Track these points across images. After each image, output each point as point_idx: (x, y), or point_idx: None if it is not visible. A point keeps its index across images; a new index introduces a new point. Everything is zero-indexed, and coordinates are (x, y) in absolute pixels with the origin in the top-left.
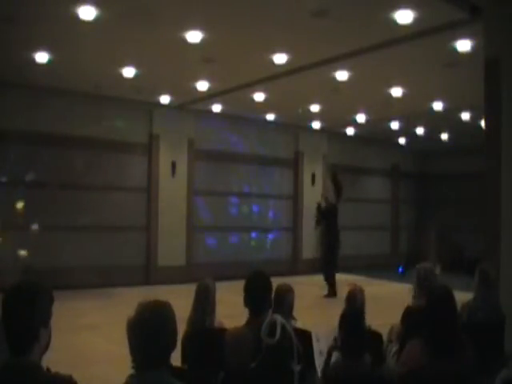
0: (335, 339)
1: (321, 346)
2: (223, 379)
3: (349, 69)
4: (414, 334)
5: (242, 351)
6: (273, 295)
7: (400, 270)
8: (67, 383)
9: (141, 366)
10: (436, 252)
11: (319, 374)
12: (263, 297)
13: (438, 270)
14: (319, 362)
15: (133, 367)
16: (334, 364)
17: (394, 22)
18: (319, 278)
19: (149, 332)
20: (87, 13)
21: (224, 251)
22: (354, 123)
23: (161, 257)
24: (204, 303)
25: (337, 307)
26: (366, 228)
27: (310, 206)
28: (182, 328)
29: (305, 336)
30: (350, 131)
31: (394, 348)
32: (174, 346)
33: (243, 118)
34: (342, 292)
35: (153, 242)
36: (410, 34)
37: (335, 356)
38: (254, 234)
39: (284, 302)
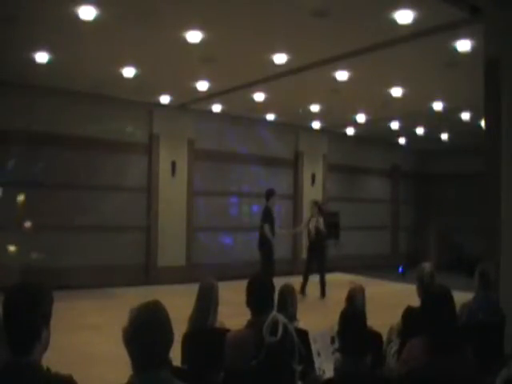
0: (333, 339)
1: (318, 347)
2: (223, 379)
3: (349, 69)
4: (414, 334)
5: (243, 351)
6: (276, 296)
7: (400, 270)
8: (67, 383)
9: (141, 367)
10: (436, 252)
11: (318, 373)
12: (266, 297)
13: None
14: (317, 364)
15: (133, 368)
16: (336, 366)
17: (394, 22)
18: (318, 278)
19: (144, 334)
20: (87, 13)
21: (224, 251)
22: (354, 123)
23: (161, 257)
24: (207, 303)
25: (338, 307)
26: (366, 228)
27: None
28: (181, 328)
29: (305, 336)
30: (350, 131)
31: (394, 348)
32: (171, 343)
33: (243, 118)
34: (343, 292)
35: (153, 242)
36: (410, 34)
37: (336, 357)
38: (253, 234)
39: (287, 302)
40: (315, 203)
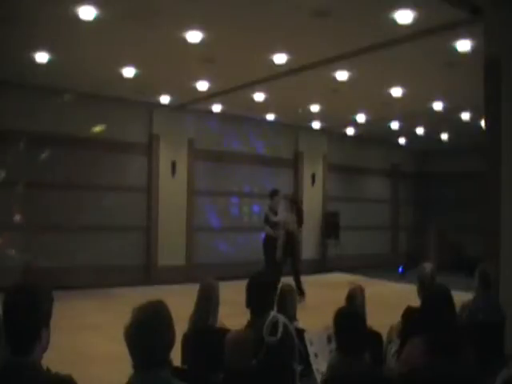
0: (329, 338)
1: (315, 349)
2: (223, 379)
3: (349, 69)
4: (414, 334)
5: (243, 352)
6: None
7: (400, 269)
8: (67, 383)
9: (141, 366)
10: (436, 252)
11: (316, 375)
12: (265, 298)
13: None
14: (315, 365)
15: (133, 367)
16: (333, 364)
17: (394, 22)
18: (319, 278)
19: (146, 334)
20: (87, 13)
21: (224, 251)
22: (354, 123)
23: (161, 257)
24: (207, 303)
25: (338, 307)
26: (366, 228)
27: (310, 206)
28: (181, 327)
29: (303, 336)
30: (350, 131)
31: (394, 348)
32: (172, 344)
33: (243, 117)
34: (342, 292)
35: (153, 242)
36: (410, 34)
37: (333, 356)
38: (253, 234)
39: (287, 302)
40: (291, 200)
